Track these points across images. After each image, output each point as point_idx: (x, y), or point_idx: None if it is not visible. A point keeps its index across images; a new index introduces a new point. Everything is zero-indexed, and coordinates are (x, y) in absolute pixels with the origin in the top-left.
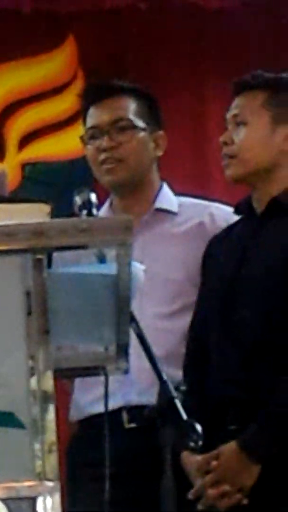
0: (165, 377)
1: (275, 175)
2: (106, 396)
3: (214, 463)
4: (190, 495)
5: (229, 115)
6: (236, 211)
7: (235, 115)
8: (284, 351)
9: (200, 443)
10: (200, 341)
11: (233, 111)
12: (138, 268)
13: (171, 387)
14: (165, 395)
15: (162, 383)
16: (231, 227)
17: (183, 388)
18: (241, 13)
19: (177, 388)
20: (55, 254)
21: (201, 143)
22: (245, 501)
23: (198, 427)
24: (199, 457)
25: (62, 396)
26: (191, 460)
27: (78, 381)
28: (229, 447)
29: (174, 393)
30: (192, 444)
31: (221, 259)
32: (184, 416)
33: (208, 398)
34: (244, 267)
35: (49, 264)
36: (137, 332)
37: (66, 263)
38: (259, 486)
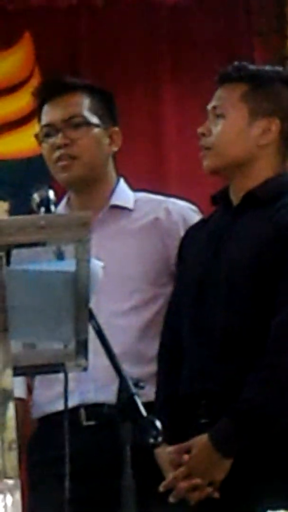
0: (124, 374)
1: (251, 169)
2: (65, 393)
3: (185, 456)
4: (161, 488)
5: (209, 106)
6: (213, 202)
7: (214, 107)
8: (256, 344)
9: (160, 439)
10: (175, 332)
11: (213, 102)
12: (96, 264)
13: (130, 383)
14: (125, 392)
15: (122, 380)
16: (207, 218)
17: (142, 384)
18: (196, 10)
19: (136, 385)
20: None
21: (157, 139)
22: (216, 495)
23: (158, 424)
24: (170, 448)
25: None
26: (163, 452)
27: (37, 379)
28: (201, 440)
29: (134, 390)
30: (152, 440)
31: (196, 250)
32: (144, 413)
33: (180, 390)
34: (218, 259)
35: (8, 262)
36: (97, 329)
37: (22, 261)
38: (230, 479)
